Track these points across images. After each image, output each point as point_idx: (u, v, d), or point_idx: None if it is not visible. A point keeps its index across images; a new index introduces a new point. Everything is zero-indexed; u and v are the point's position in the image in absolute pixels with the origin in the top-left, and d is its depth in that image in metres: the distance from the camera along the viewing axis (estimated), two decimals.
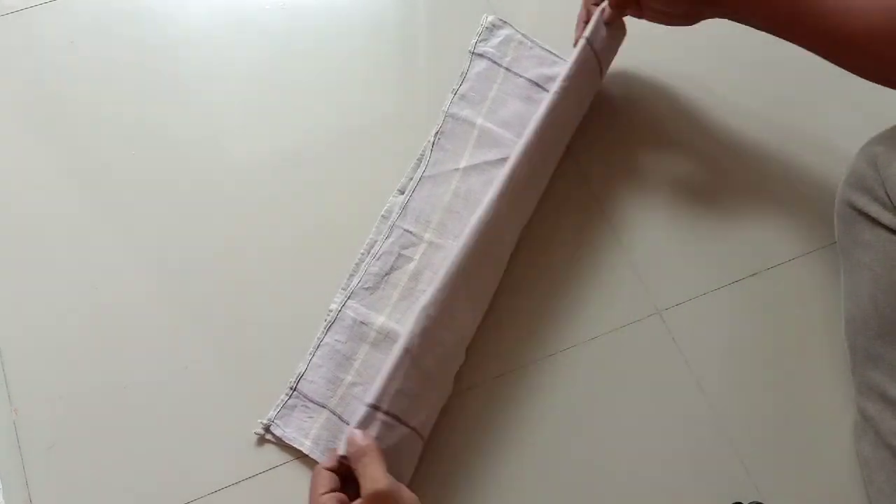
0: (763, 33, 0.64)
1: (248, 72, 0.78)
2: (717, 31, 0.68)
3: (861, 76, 0.60)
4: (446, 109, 0.75)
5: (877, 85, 0.59)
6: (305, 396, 0.62)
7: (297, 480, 0.60)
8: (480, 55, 0.78)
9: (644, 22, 0.71)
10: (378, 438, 0.55)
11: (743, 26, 0.66)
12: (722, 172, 0.74)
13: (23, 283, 0.67)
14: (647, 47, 0.79)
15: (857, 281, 0.61)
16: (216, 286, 0.67)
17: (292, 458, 0.61)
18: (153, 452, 0.61)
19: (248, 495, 0.60)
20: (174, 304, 0.67)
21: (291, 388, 0.62)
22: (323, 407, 0.62)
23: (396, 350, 0.58)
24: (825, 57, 0.61)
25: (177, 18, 0.80)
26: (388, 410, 0.56)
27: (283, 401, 0.62)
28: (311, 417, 0.61)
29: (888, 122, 0.61)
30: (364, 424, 0.55)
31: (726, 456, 0.63)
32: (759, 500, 0.60)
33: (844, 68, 0.61)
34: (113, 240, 0.69)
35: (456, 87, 0.76)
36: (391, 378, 0.57)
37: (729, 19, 0.66)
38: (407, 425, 0.57)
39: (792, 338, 0.67)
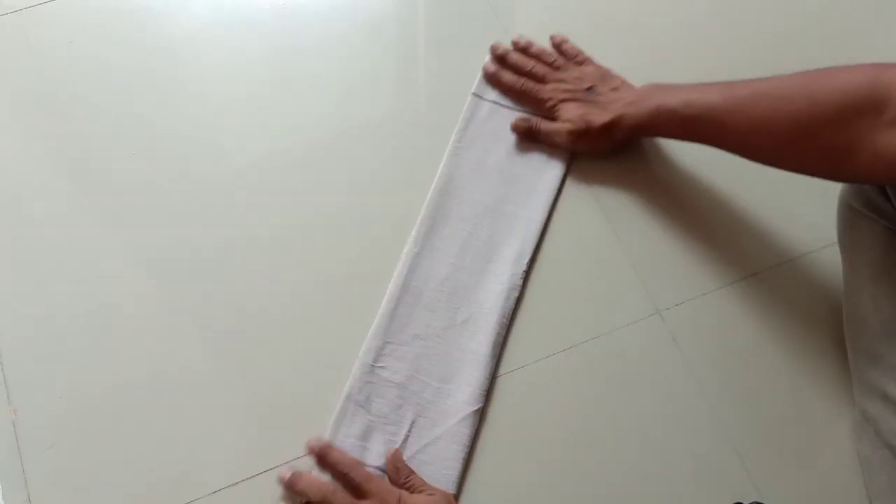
0: (764, 33, 0.64)
1: (248, 72, 0.78)
2: (717, 36, 0.69)
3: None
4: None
5: None
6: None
7: None
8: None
9: (644, 39, 0.69)
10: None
11: (742, 21, 0.65)
12: (722, 172, 0.74)
13: (22, 283, 0.67)
14: (647, 52, 0.79)
15: (857, 281, 0.61)
16: (215, 286, 0.67)
17: (292, 459, 0.61)
18: (153, 452, 0.61)
19: (248, 495, 0.60)
20: (174, 304, 0.66)
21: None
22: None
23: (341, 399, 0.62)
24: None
25: (177, 18, 0.80)
26: None
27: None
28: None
29: None
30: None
31: (726, 456, 0.63)
32: (759, 500, 0.60)
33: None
34: (113, 240, 0.69)
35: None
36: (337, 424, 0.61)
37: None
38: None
39: (792, 338, 0.67)
